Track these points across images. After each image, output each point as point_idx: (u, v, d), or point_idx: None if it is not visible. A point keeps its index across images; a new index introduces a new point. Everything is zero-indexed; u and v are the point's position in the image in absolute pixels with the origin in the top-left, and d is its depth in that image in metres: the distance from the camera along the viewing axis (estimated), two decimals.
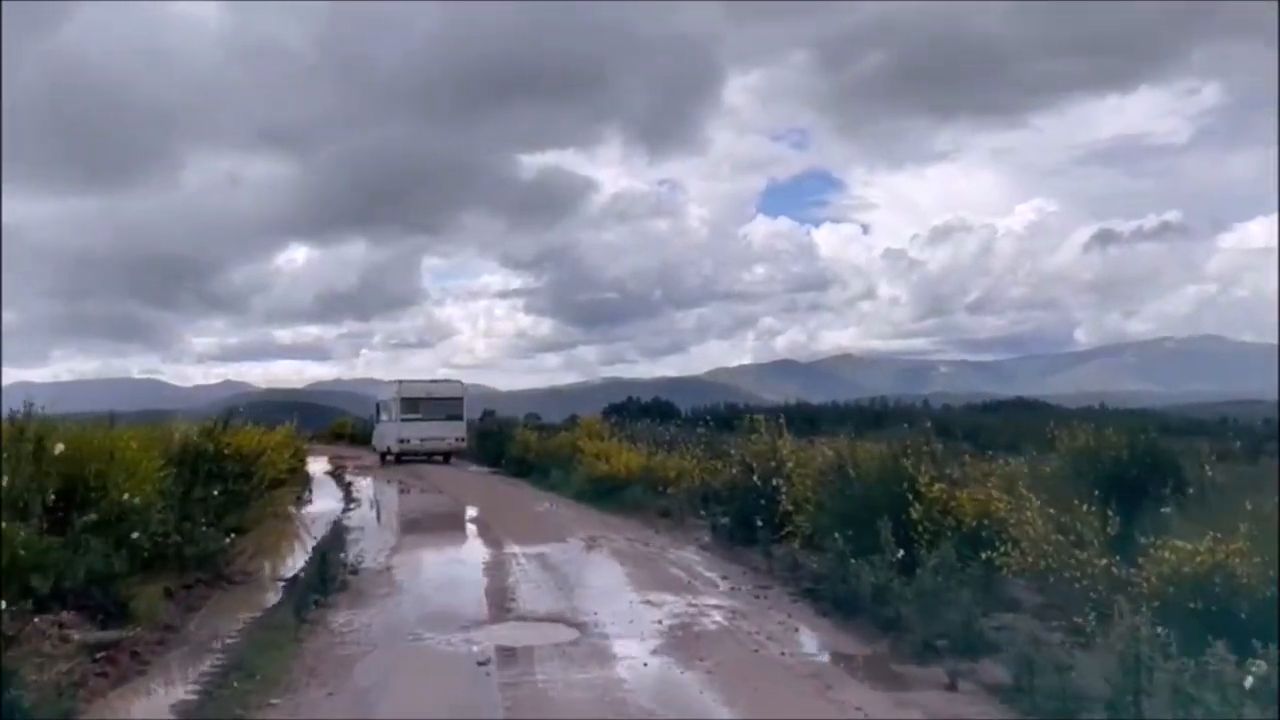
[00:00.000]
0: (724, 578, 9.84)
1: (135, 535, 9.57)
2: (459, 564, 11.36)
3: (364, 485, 22.13)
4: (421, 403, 28.71)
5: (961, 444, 14.64)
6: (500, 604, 8.67)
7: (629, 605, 8.61)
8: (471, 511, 16.43)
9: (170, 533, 10.52)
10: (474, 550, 12.17)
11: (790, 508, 11.16)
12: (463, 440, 29.29)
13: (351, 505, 17.65)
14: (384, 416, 30.63)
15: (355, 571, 10.43)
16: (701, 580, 9.80)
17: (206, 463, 12.93)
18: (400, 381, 29.96)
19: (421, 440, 28.54)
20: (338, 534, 13.31)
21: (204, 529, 11.16)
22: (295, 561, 11.53)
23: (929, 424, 10.17)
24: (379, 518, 16.09)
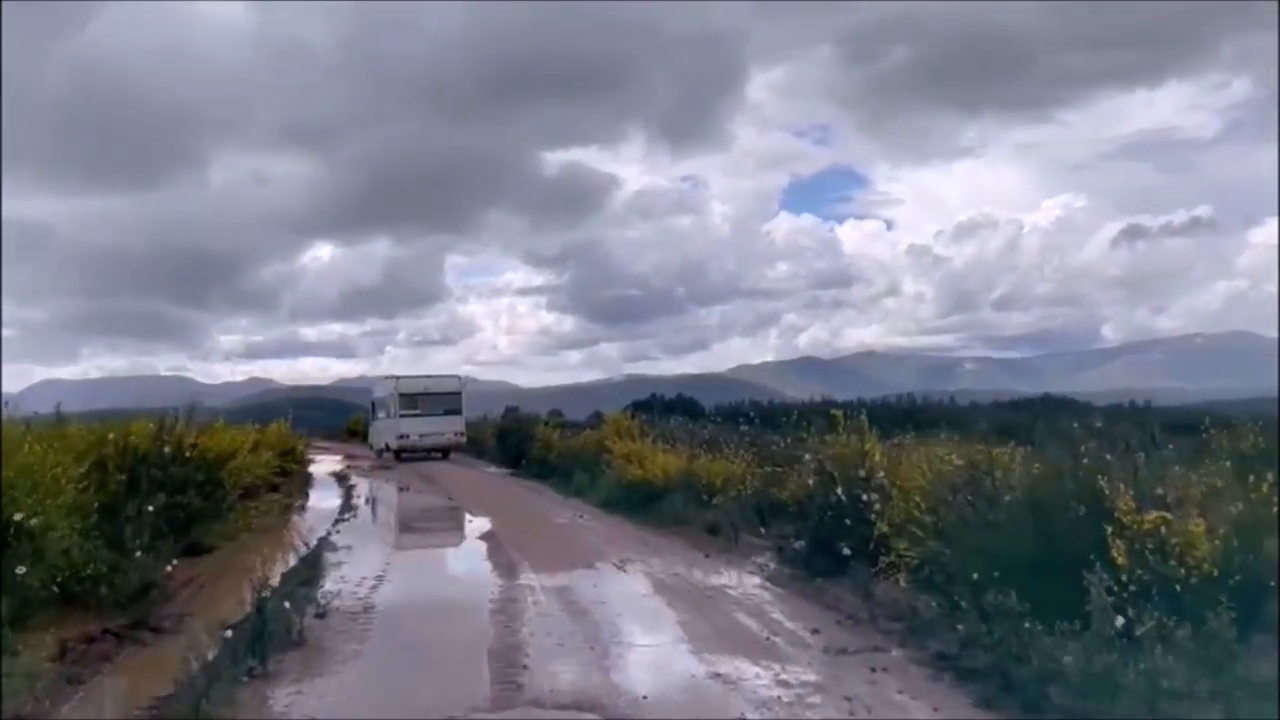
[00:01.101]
0: (813, 631, 7.16)
1: (22, 570, 7.11)
2: (459, 603, 8.75)
3: (367, 490, 19.66)
4: (420, 399, 27.74)
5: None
6: (506, 676, 6.05)
7: (690, 680, 5.98)
8: (483, 523, 13.86)
9: (88, 563, 8.08)
10: (481, 580, 9.57)
11: (887, 529, 8.51)
12: (462, 436, 28.39)
13: (347, 515, 15.13)
14: (381, 414, 29.62)
15: (323, 614, 7.88)
16: (784, 634, 7.13)
17: (152, 469, 10.45)
18: (398, 378, 28.92)
19: (421, 436, 27.63)
20: (317, 557, 10.78)
21: (138, 556, 8.69)
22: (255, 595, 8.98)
23: (1098, 421, 7.45)
24: (375, 531, 13.60)
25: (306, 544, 12.03)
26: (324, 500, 17.71)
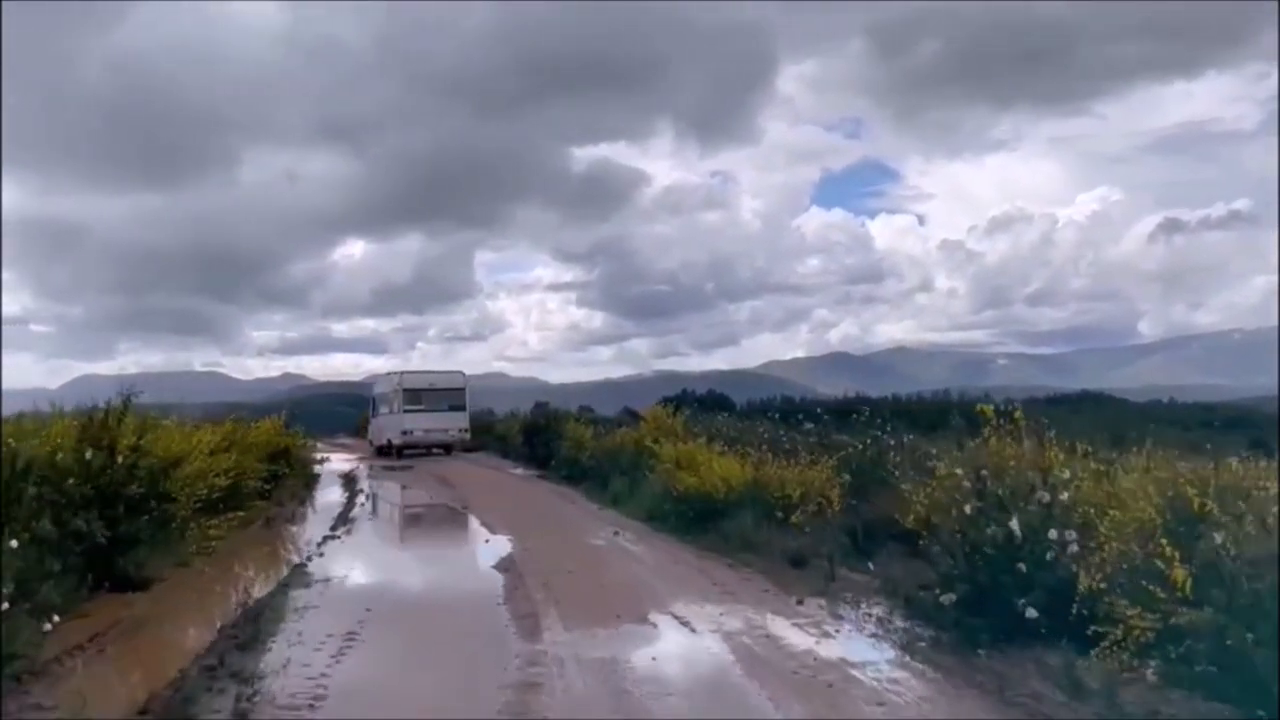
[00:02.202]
0: None
1: None
2: (452, 688, 5.87)
3: (373, 497, 16.98)
4: (424, 394, 27.08)
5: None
6: None
7: None
8: (501, 545, 11.05)
9: None
10: (489, 642, 6.70)
11: (1099, 585, 5.59)
12: (466, 432, 27.78)
13: (340, 531, 12.37)
14: (383, 409, 28.92)
15: (243, 715, 5.11)
16: None
17: (65, 479, 7.77)
18: (402, 373, 28.47)
19: (425, 432, 27.07)
20: (278, 599, 8.01)
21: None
22: (167, 666, 6.21)
23: None
24: (367, 556, 10.86)
25: (274, 575, 9.32)
26: (319, 510, 15.01)
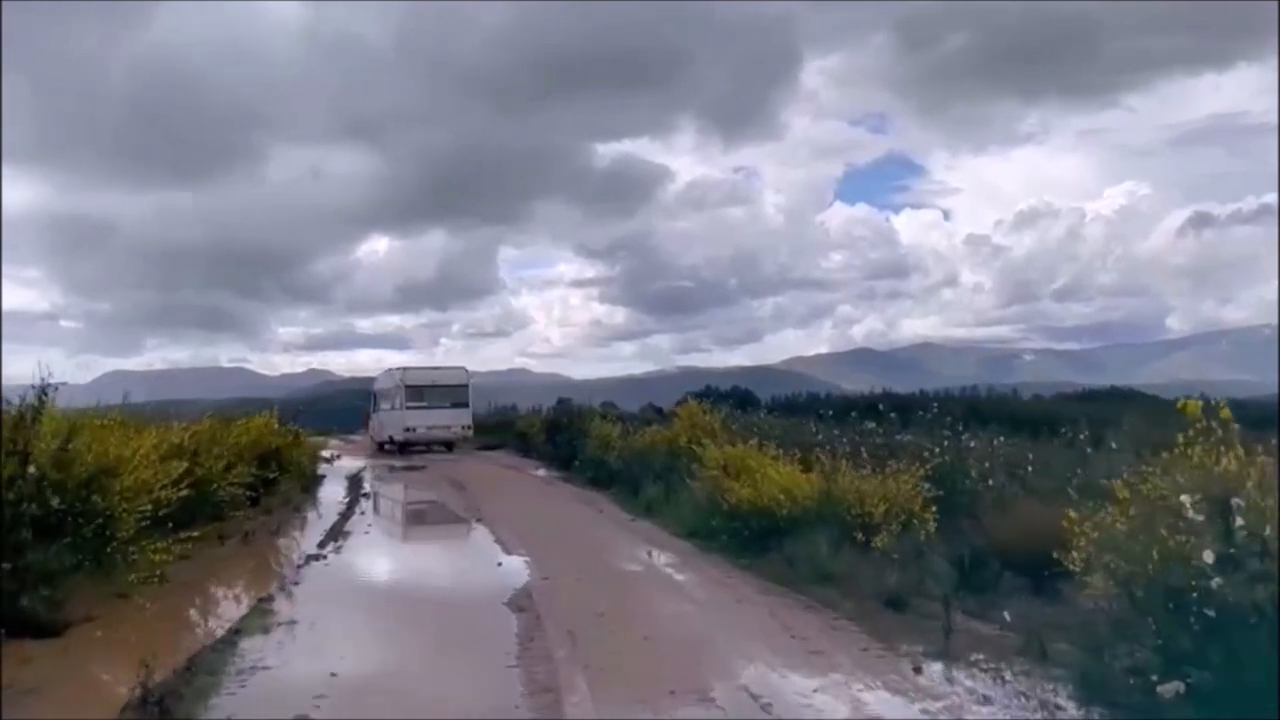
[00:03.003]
0: None
1: None
2: None
3: (375, 504, 15.05)
4: (426, 390, 26.54)
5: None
6: None
7: None
8: (517, 569, 9.02)
9: None
10: None
11: None
12: (469, 429, 27.24)
13: (327, 550, 10.40)
14: (385, 405, 28.50)
15: None
16: None
17: None
18: (404, 369, 28.02)
19: (427, 429, 26.54)
20: (205, 664, 6.02)
21: None
22: None
23: None
24: (351, 587, 8.87)
25: (229, 613, 7.37)
26: (312, 520, 13.08)
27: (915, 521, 8.54)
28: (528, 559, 9.59)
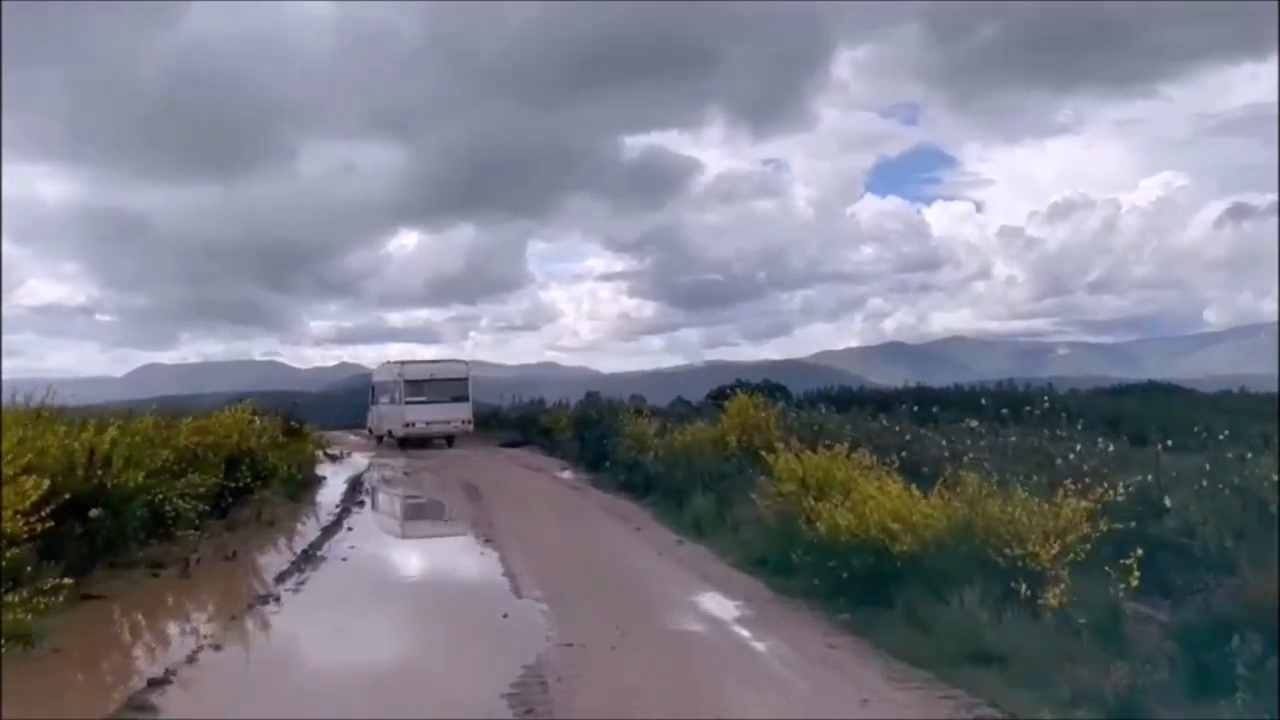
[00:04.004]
0: None
1: None
2: None
3: (367, 518, 12.52)
4: (426, 384, 25.77)
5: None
6: None
7: None
8: (528, 627, 6.39)
9: None
10: None
11: None
12: (469, 423, 26.31)
13: (280, 590, 7.87)
14: (384, 399, 27.71)
15: None
16: None
17: None
18: (403, 363, 27.25)
19: (427, 423, 25.62)
20: None
21: None
22: None
23: None
24: (277, 672, 6.27)
25: (99, 706, 4.81)
26: (283, 542, 10.51)
27: (1108, 570, 5.75)
28: (544, 607, 6.97)
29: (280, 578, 8.18)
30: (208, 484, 10.12)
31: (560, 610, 6.85)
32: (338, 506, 13.19)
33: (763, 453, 9.95)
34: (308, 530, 11.05)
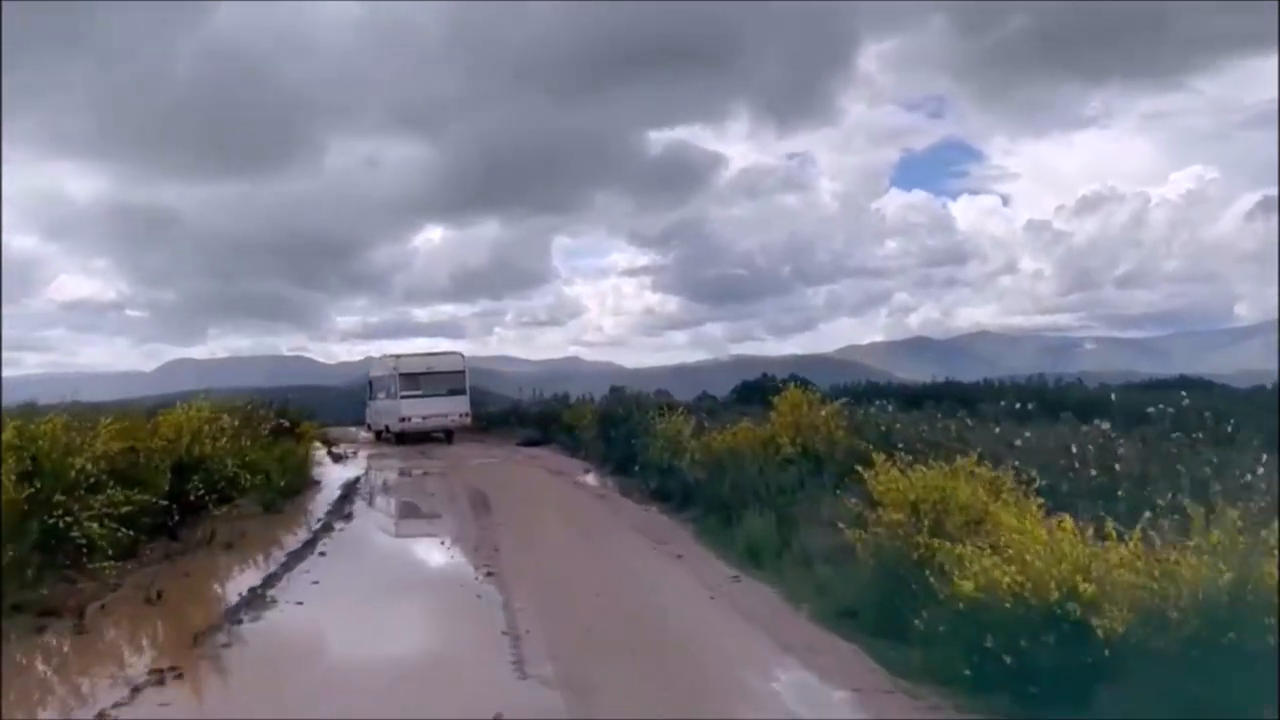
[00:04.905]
0: None
1: None
2: None
3: (344, 533, 10.29)
4: (421, 378, 24.85)
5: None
6: None
7: None
8: None
9: None
10: None
11: None
12: (467, 417, 25.41)
13: (172, 669, 5.67)
14: (380, 394, 27.02)
15: None
16: None
17: None
18: (398, 356, 26.24)
19: (423, 418, 24.81)
20: None
21: None
22: None
23: None
24: None
25: None
26: (231, 570, 8.30)
27: None
28: (557, 695, 4.69)
29: (200, 637, 5.95)
30: (140, 500, 7.95)
31: (581, 703, 4.57)
32: (319, 521, 11.00)
33: (820, 454, 7.59)
34: (271, 555, 8.83)
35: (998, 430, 11.54)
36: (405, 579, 8.06)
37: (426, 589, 7.59)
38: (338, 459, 20.69)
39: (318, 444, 22.25)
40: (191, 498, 9.09)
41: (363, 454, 22.04)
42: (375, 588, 7.63)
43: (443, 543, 9.37)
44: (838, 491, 9.38)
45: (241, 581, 7.62)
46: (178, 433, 9.11)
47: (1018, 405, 15.44)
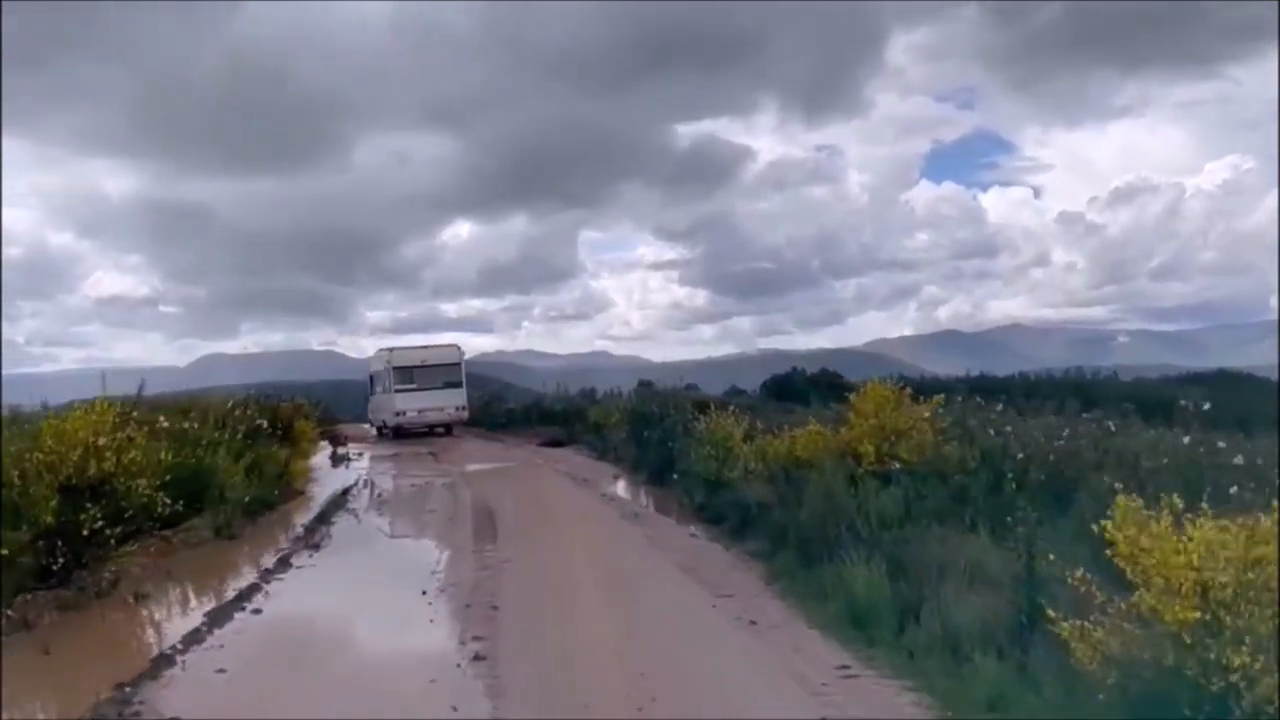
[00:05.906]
0: None
1: None
2: None
3: (321, 563, 7.79)
4: (416, 371, 23.97)
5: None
6: None
7: None
8: None
9: None
10: None
11: None
12: (464, 410, 24.55)
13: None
14: (378, 388, 26.01)
15: None
16: None
17: None
18: (391, 349, 25.44)
19: (419, 412, 24.00)
20: None
21: None
22: None
23: None
24: None
25: None
26: (125, 630, 5.86)
27: None
28: None
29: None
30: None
31: None
32: (279, 552, 8.53)
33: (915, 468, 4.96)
34: (187, 613, 6.34)
35: (1150, 435, 8.85)
36: (356, 668, 5.45)
37: (378, 690, 4.98)
38: (338, 462, 18.36)
39: (324, 443, 20.04)
40: (86, 532, 6.60)
41: (367, 455, 19.70)
42: (304, 686, 5.05)
43: (423, 592, 6.80)
44: (975, 527, 6.72)
45: (118, 665, 5.09)
46: (65, 445, 6.63)
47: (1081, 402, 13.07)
